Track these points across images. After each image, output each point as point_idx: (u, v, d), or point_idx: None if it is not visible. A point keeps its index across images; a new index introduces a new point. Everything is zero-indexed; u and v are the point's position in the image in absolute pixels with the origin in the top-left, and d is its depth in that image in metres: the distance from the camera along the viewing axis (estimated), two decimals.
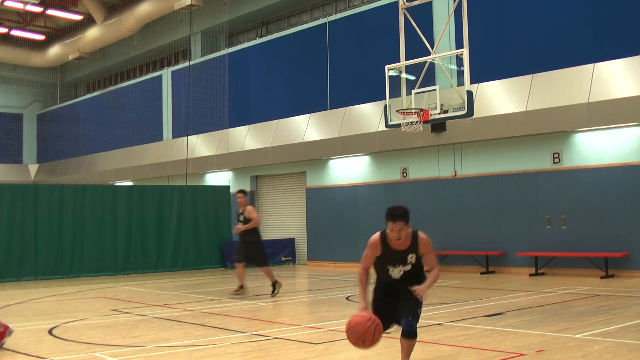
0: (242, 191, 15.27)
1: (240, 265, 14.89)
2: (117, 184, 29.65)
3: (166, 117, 29.60)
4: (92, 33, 32.55)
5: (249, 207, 14.93)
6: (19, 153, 37.78)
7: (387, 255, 6.82)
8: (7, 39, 34.78)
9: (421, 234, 6.88)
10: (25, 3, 29.14)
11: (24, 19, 33.14)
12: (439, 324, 10.26)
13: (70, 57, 34.74)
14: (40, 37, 35.03)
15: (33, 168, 37.51)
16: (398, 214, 6.62)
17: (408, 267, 6.87)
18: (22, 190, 20.52)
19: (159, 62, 33.68)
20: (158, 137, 29.87)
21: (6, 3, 29.03)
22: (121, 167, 31.02)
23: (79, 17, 32.43)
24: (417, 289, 6.61)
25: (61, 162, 35.54)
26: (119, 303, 14.29)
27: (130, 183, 30.81)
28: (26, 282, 19.56)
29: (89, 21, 32.65)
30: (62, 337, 9.88)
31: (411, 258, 6.82)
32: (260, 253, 14.94)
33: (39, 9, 30.79)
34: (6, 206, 19.76)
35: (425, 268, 7.01)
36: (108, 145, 32.37)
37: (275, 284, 14.70)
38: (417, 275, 6.93)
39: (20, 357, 8.47)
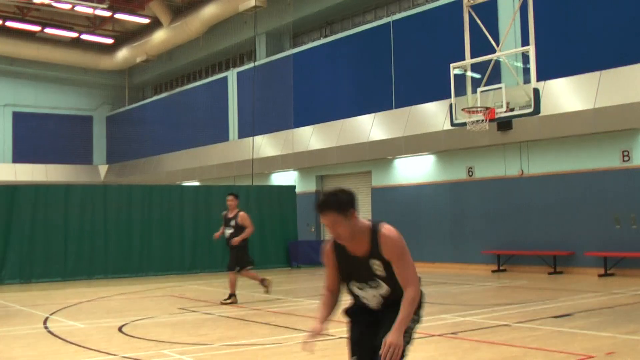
0: (233, 194, 14.14)
1: (232, 273, 13.94)
2: (184, 184, 30.08)
3: (232, 118, 29.89)
4: (159, 36, 33.06)
5: (243, 214, 13.92)
6: (89, 154, 38.60)
7: (346, 266, 4.55)
8: (77, 43, 35.58)
9: (384, 229, 4.40)
10: (95, 8, 29.77)
11: (93, 24, 33.86)
12: (506, 325, 10.15)
13: (138, 60, 35.37)
14: (109, 41, 35.75)
15: (103, 169, 38.28)
16: (324, 203, 4.32)
17: (383, 289, 4.49)
18: (93, 191, 21.00)
19: (224, 64, 34.02)
20: (224, 137, 30.19)
21: (76, 8, 29.70)
22: (188, 167, 31.44)
23: (146, 21, 32.98)
24: (386, 340, 4.20)
25: (130, 162, 36.22)
26: (187, 301, 14.50)
27: (197, 183, 31.21)
28: (96, 280, 19.98)
29: (155, 24, 33.18)
30: (131, 334, 10.08)
31: (378, 268, 4.41)
32: (241, 257, 13.96)
33: (107, 14, 31.42)
34: (77, 206, 20.22)
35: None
36: (175, 146, 32.84)
37: (232, 295, 13.87)
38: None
39: (92, 353, 8.68)
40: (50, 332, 10.51)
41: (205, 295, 15.83)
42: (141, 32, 34.65)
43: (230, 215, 13.96)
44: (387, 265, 4.39)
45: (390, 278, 4.42)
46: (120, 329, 10.56)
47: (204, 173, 30.74)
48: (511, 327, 9.95)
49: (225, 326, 10.91)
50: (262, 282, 14.39)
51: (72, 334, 10.15)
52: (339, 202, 4.31)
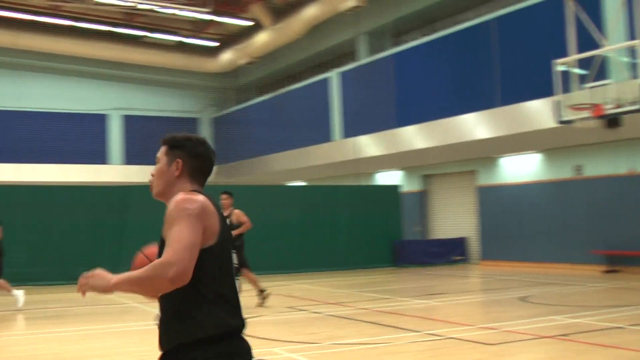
0: (227, 192, 13.99)
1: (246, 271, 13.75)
2: (289, 184, 30.48)
3: (335, 118, 30.11)
4: (261, 38, 33.56)
5: (237, 211, 13.82)
6: None
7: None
8: (181, 46, 36.54)
9: (177, 195, 3.23)
10: (200, 12, 30.52)
11: (197, 28, 34.67)
12: (620, 327, 9.94)
13: (241, 62, 36.06)
14: (214, 44, 36.55)
15: None
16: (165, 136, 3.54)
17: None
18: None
19: (326, 64, 34.27)
20: (327, 137, 30.45)
21: (180, 13, 30.53)
22: (293, 167, 31.83)
23: (248, 23, 33.57)
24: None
25: (236, 164, 36.90)
26: (295, 300, 14.75)
27: (302, 183, 31.58)
28: None
29: (257, 26, 33.72)
30: None
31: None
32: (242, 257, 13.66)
33: (210, 17, 32.15)
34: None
35: None
36: (279, 147, 33.27)
37: (262, 291, 13.86)
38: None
39: None
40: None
41: (313, 294, 16.05)
42: (244, 34, 35.26)
43: (225, 214, 13.49)
44: (162, 246, 3.14)
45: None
46: None
47: (309, 173, 31.06)
48: (625, 330, 9.75)
49: (333, 325, 11.07)
50: (261, 291, 13.98)
51: None
52: (172, 139, 3.50)
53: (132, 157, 36.09)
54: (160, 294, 3.09)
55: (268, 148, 33.80)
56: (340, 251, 22.91)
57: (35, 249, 19.03)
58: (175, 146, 3.49)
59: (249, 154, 35.35)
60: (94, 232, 19.87)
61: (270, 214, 21.96)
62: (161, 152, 3.53)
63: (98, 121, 34.94)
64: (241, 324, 3.23)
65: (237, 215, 13.81)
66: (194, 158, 3.46)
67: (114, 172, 34.16)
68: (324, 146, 29.98)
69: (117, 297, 15.81)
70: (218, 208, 3.30)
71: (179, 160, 3.45)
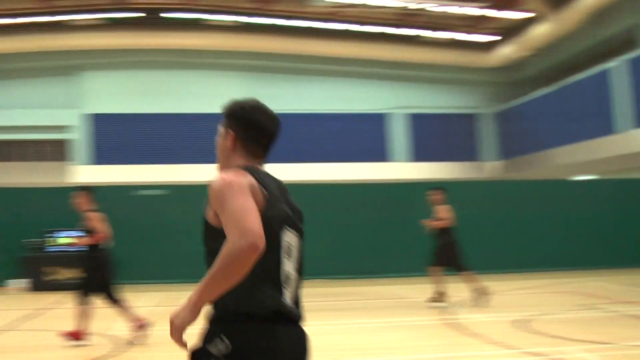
0: (436, 188, 13.70)
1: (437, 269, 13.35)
2: (573, 179, 29.23)
3: (620, 108, 28.33)
4: (539, 29, 32.55)
5: (444, 207, 13.32)
6: (474, 151, 39.13)
7: None
8: (455, 43, 36.35)
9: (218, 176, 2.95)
10: (477, 7, 30.21)
11: (472, 23, 34.34)
12: None
13: (520, 55, 35.19)
14: (492, 39, 35.99)
15: (488, 165, 38.59)
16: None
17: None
18: (479, 187, 21.48)
19: (605, 54, 32.45)
20: (610, 130, 28.76)
21: (457, 10, 30.43)
22: (578, 161, 30.49)
23: (526, 15, 32.68)
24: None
25: (520, 158, 36.06)
26: (585, 298, 14.04)
27: (591, 177, 30.23)
28: (486, 274, 20.11)
29: (534, 18, 32.71)
30: (529, 329, 10.02)
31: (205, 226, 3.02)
32: (453, 255, 13.24)
33: (485, 12, 31.69)
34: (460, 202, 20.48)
35: None
36: (561, 140, 32.03)
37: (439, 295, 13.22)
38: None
39: (491, 347, 8.76)
40: (450, 322, 10.83)
41: (606, 292, 15.19)
42: (520, 27, 34.37)
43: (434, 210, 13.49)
44: (207, 230, 2.98)
45: (209, 251, 2.95)
46: (518, 323, 10.55)
47: (595, 167, 29.59)
48: None
49: (629, 325, 10.36)
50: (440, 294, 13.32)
51: (471, 326, 10.35)
52: (227, 107, 3.22)
53: (414, 154, 36.52)
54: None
55: (552, 142, 32.66)
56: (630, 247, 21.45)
57: (333, 244, 19.65)
58: (229, 115, 3.17)
59: (533, 148, 34.39)
60: (382, 229, 20.30)
61: (555, 209, 21.23)
62: (221, 123, 3.21)
63: (375, 120, 35.78)
64: (268, 307, 2.85)
65: (442, 210, 13.37)
66: (246, 127, 3.11)
67: (397, 170, 34.75)
68: (609, 139, 28.34)
69: (408, 292, 15.90)
70: (268, 187, 2.95)
71: (231, 131, 3.14)
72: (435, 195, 13.49)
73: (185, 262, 15.09)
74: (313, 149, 33.55)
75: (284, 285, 2.92)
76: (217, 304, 2.85)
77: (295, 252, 3.01)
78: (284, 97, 32.92)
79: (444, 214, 13.30)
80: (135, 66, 31.97)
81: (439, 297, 13.21)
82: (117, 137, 31.07)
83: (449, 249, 13.27)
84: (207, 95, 31.70)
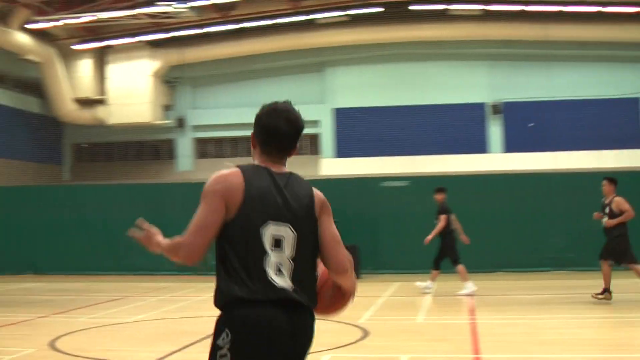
0: (608, 178, 13.41)
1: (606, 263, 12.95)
2: None
3: None
4: None
5: (618, 199, 12.88)
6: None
7: None
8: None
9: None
10: None
11: None
12: None
13: None
14: None
15: None
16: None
17: None
18: None
19: None
20: None
21: None
22: None
23: None
24: None
25: None
26: None
27: None
28: None
29: None
30: None
31: None
32: (624, 249, 12.76)
33: None
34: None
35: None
36: None
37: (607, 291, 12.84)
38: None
39: None
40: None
41: None
42: None
43: (607, 201, 13.12)
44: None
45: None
46: None
47: None
48: None
49: None
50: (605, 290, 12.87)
51: None
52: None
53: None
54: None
55: None
56: None
57: (573, 235, 19.19)
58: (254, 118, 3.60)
59: None
60: None
61: None
62: None
63: (630, 105, 33.66)
64: (250, 294, 3.28)
65: (618, 203, 12.93)
66: (259, 129, 3.54)
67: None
68: None
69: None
70: (252, 188, 3.38)
71: (252, 133, 3.58)
72: (606, 187, 13.28)
73: (419, 252, 15.42)
74: (565, 136, 32.28)
75: (275, 273, 3.34)
76: (215, 303, 3.42)
77: (289, 242, 3.38)
78: (529, 85, 32.13)
79: (624, 206, 12.92)
80: (377, 60, 32.66)
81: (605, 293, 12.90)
82: (358, 130, 32.01)
83: (618, 241, 12.92)
84: (450, 86, 31.75)
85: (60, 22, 30.55)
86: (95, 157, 40.18)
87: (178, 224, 18.66)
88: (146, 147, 38.94)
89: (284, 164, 3.56)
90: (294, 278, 3.37)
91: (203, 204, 3.38)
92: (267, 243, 3.34)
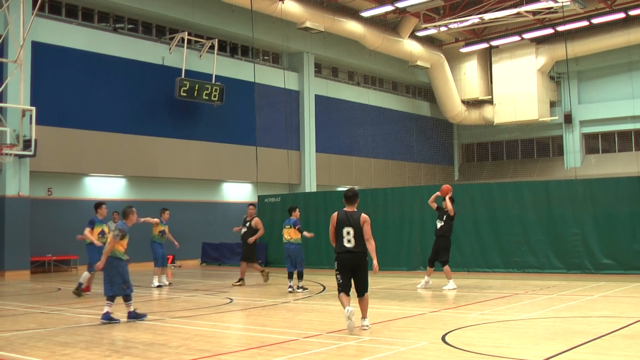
0: (252, 204, 20.27)
1: (244, 263, 19.39)
2: None
3: None
4: None
5: (256, 219, 19.37)
6: None
7: None
8: None
9: None
10: None
11: None
12: None
13: None
14: None
15: None
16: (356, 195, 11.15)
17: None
18: None
19: None
20: None
21: None
22: None
23: None
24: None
25: None
26: None
27: None
28: None
29: None
30: None
31: None
32: (251, 252, 19.24)
33: None
34: None
35: None
36: None
37: (241, 280, 19.03)
38: None
39: None
40: None
41: None
42: None
43: (248, 218, 19.49)
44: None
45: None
46: None
47: None
48: None
49: None
50: (241, 280, 19.06)
51: None
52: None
53: None
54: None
55: None
56: None
57: None
58: None
59: None
60: None
61: None
62: None
63: None
64: (339, 249, 10.75)
65: (256, 222, 19.17)
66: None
67: None
68: None
69: None
70: (339, 216, 10.86)
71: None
72: (252, 210, 19.83)
73: None
74: None
75: (347, 240, 10.65)
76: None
77: (351, 232, 10.60)
78: None
79: (259, 225, 19.10)
80: None
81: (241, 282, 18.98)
82: None
83: (250, 246, 19.11)
84: None
85: (447, 27, 31.62)
86: (483, 156, 40.95)
87: (565, 220, 18.67)
88: (533, 144, 38.72)
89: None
90: (355, 242, 10.58)
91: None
92: (345, 232, 10.67)
